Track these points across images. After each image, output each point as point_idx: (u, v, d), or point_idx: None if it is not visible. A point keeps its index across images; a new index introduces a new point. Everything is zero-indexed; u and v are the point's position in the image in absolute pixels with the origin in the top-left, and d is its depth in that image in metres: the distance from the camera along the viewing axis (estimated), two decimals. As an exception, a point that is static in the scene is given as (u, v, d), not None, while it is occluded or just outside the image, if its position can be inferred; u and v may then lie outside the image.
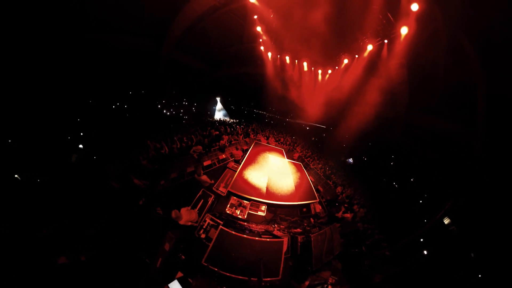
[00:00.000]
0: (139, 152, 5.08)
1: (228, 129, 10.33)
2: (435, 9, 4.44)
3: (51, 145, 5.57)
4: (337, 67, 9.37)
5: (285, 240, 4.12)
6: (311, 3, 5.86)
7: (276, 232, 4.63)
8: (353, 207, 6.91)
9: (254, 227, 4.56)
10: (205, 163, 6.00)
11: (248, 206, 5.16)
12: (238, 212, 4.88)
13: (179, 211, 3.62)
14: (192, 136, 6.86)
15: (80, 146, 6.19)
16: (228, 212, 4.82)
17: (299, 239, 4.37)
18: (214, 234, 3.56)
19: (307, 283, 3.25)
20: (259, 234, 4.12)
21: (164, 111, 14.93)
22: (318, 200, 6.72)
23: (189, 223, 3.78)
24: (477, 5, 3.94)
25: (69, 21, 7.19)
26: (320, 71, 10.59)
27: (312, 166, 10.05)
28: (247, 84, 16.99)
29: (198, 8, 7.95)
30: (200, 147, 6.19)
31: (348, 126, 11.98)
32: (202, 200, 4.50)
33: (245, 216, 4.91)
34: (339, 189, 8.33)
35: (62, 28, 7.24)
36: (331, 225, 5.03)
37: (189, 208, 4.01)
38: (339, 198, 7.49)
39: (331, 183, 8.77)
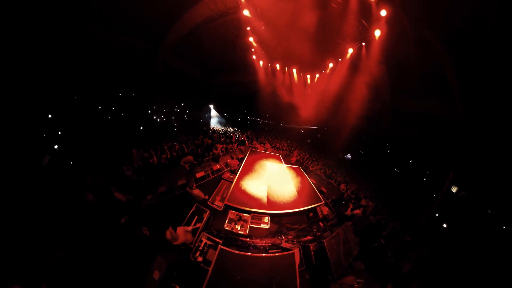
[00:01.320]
0: (123, 161, 4.63)
1: (222, 137, 10.22)
2: (400, 12, 5.86)
3: (18, 142, 4.65)
4: (323, 71, 10.54)
5: (296, 252, 3.80)
6: (297, 16, 7.04)
7: (284, 244, 4.33)
8: (360, 202, 6.75)
9: (258, 242, 4.20)
10: (198, 175, 5.70)
11: (249, 220, 4.81)
12: (238, 227, 4.50)
13: (175, 231, 3.16)
14: (183, 145, 6.52)
15: (55, 146, 5.44)
16: (227, 228, 4.43)
17: (311, 247, 4.08)
18: (213, 255, 3.17)
19: None
20: (265, 250, 3.79)
21: (154, 117, 14.23)
22: (323, 202, 6.55)
23: (184, 245, 3.35)
24: (432, 3, 5.21)
25: (63, 11, 6.70)
26: (308, 76, 11.78)
27: (311, 168, 10.06)
28: (240, 91, 17.73)
29: (196, 17, 8.62)
30: (191, 158, 5.87)
31: (340, 124, 13.05)
32: (196, 217, 4.06)
33: (247, 231, 4.53)
34: (342, 186, 8.25)
35: (53, 16, 6.57)
36: (342, 225, 4.80)
37: (186, 227, 3.55)
38: (345, 195, 7.36)
39: (333, 182, 8.73)
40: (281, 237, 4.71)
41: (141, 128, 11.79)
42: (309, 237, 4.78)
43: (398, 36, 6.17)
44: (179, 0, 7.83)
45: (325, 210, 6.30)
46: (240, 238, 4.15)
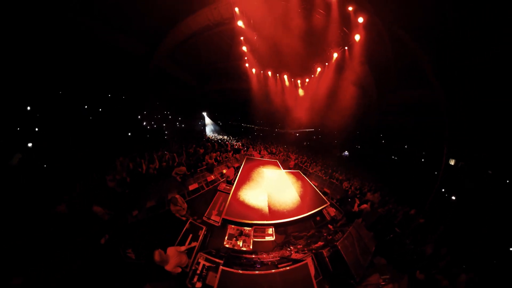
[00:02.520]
0: (106, 170, 4.20)
1: (216, 146, 9.96)
2: (374, 18, 7.07)
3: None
4: (313, 76, 11.62)
5: (309, 261, 3.54)
6: (286, 27, 7.90)
7: (295, 256, 4.02)
8: (366, 196, 6.68)
9: (265, 257, 3.84)
10: (191, 187, 5.35)
11: (252, 233, 4.46)
12: (240, 243, 4.11)
13: (165, 252, 2.78)
14: (175, 154, 6.16)
15: (29, 144, 4.79)
16: (227, 246, 4.02)
17: (324, 253, 3.81)
18: (214, 279, 2.78)
19: None
20: (275, 265, 3.49)
21: (144, 123, 13.48)
22: (328, 203, 6.42)
23: (178, 269, 2.89)
24: (401, 6, 6.43)
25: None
26: (299, 81, 12.94)
27: (311, 171, 10.05)
28: (234, 98, 18.26)
29: (194, 25, 9.18)
30: (184, 168, 5.53)
31: (333, 124, 13.97)
32: (191, 235, 3.64)
33: (251, 247, 4.15)
34: (345, 184, 8.22)
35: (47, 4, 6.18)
36: (353, 223, 4.62)
37: (179, 247, 3.12)
38: (349, 192, 7.28)
39: (335, 181, 8.72)
40: (289, 248, 4.39)
41: (129, 134, 11.05)
42: (320, 243, 4.51)
43: (375, 38, 7.32)
44: (179, 7, 8.36)
45: (332, 211, 6.15)
46: (244, 255, 3.77)
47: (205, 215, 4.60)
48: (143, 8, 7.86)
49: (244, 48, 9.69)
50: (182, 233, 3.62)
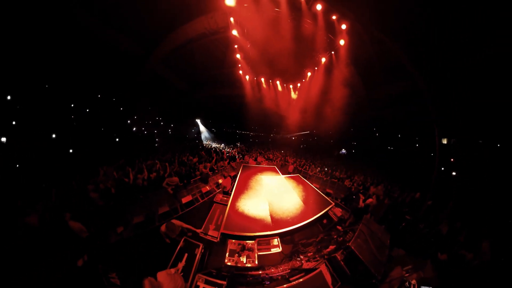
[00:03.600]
0: (89, 178, 3.77)
1: (212, 154, 9.66)
2: (355, 24, 8.04)
3: None
4: (304, 80, 12.61)
5: (323, 268, 3.29)
6: (277, 35, 8.65)
7: (306, 265, 3.77)
8: (370, 190, 6.63)
9: (274, 272, 3.50)
10: (184, 200, 4.98)
11: (255, 247, 4.11)
12: (243, 259, 3.74)
13: (156, 278, 2.41)
14: (166, 163, 5.73)
15: (3, 139, 4.23)
16: (229, 264, 3.62)
17: (338, 257, 3.60)
18: (216, 305, 2.43)
19: None
20: (286, 279, 3.20)
21: (134, 129, 12.66)
22: (333, 203, 6.34)
23: None
24: (377, 13, 7.53)
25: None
26: (291, 86, 14.00)
27: (311, 173, 10.07)
28: (228, 105, 18.55)
29: (191, 31, 9.71)
30: (176, 179, 5.16)
31: (328, 124, 14.77)
32: (186, 255, 3.24)
33: (256, 262, 3.79)
34: (347, 182, 8.25)
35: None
36: (361, 220, 4.51)
37: (170, 270, 2.72)
38: (352, 189, 7.23)
39: (337, 180, 8.72)
40: (299, 257, 4.11)
41: (117, 139, 10.36)
42: (331, 247, 4.28)
43: (357, 40, 8.35)
44: (178, 13, 8.82)
45: (338, 211, 6.04)
46: (249, 272, 3.41)
47: (201, 230, 4.22)
48: (143, 9, 8.23)
49: (238, 56, 10.39)
50: (175, 253, 3.21)
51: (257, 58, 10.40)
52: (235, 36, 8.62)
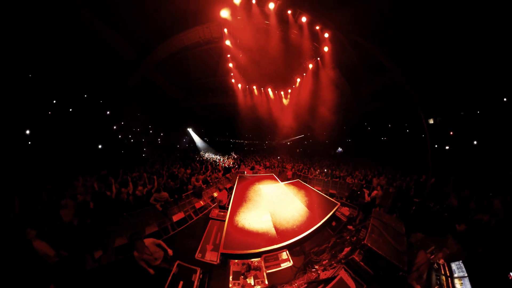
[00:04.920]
0: (62, 189, 3.20)
1: (205, 166, 9.25)
2: (336, 32, 8.92)
3: None
4: (294, 86, 13.56)
5: (343, 274, 3.05)
6: (268, 45, 9.52)
7: (324, 275, 3.45)
8: (373, 183, 6.59)
9: (288, 289, 3.10)
10: (176, 217, 4.47)
11: (263, 264, 3.69)
12: (251, 281, 3.28)
13: None
14: (154, 177, 5.20)
15: None
16: None
17: (356, 258, 3.38)
18: None
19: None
20: None
21: (120, 136, 11.56)
22: (339, 203, 6.17)
23: None
24: (354, 20, 8.88)
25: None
26: (282, 93, 14.94)
27: (311, 176, 10.04)
28: (220, 113, 18.72)
29: (186, 40, 10.28)
30: (165, 194, 4.68)
31: (321, 126, 15.82)
32: (182, 282, 2.76)
33: (266, 282, 3.35)
34: (348, 179, 8.20)
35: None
36: (371, 214, 4.40)
37: None
38: (355, 186, 7.13)
39: (338, 179, 8.70)
40: (314, 268, 3.79)
41: (100, 146, 9.36)
42: (346, 249, 4.04)
43: (338, 46, 9.65)
44: (174, 22, 9.32)
45: (346, 211, 5.88)
46: (259, 295, 2.98)
47: (197, 252, 3.74)
48: (142, 14, 8.56)
49: (231, 65, 11.05)
50: (168, 282, 2.69)
51: (249, 66, 11.18)
52: (228, 46, 9.31)
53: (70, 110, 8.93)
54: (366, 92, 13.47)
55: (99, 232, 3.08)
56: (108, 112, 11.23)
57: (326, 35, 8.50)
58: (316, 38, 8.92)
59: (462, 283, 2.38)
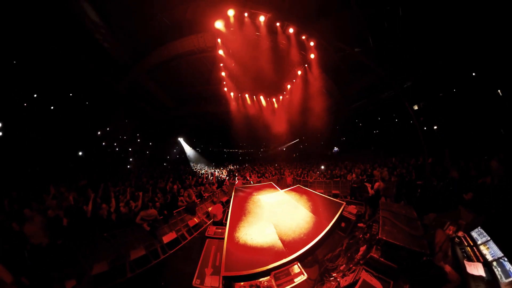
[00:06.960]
0: (31, 199, 2.80)
1: (197, 179, 8.85)
2: (320, 40, 9.95)
3: None
4: (285, 93, 14.73)
5: (364, 276, 2.93)
6: (258, 54, 10.46)
7: (344, 281, 3.28)
8: (374, 177, 6.68)
9: (307, 307, 2.82)
10: (166, 238, 4.05)
11: (273, 283, 3.36)
12: (262, 304, 2.94)
13: None
14: (140, 193, 4.67)
15: None
16: None
17: (375, 256, 3.26)
18: None
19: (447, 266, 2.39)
20: None
21: (104, 143, 10.54)
22: (344, 203, 6.13)
23: None
24: (335, 28, 10.08)
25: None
26: (274, 100, 15.89)
27: (311, 180, 10.09)
28: (213, 122, 18.54)
29: (180, 47, 10.71)
30: (154, 211, 4.21)
31: (314, 128, 16.64)
32: None
33: (281, 302, 3.03)
34: (349, 176, 8.29)
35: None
36: (379, 206, 4.38)
37: None
38: (357, 182, 7.20)
39: (339, 178, 8.76)
40: (332, 276, 3.59)
41: (80, 153, 8.42)
42: (362, 248, 3.90)
43: (324, 52, 10.71)
44: (170, 30, 9.83)
45: (353, 209, 5.86)
46: (275, 320, 2.64)
47: (195, 278, 3.32)
48: (139, 19, 8.83)
49: (223, 74, 11.64)
50: None
51: (241, 75, 11.96)
52: (221, 55, 10.02)
53: (52, 108, 8.08)
54: (353, 91, 14.87)
55: (72, 255, 2.57)
56: (93, 116, 10.42)
57: (312, 43, 9.73)
58: (303, 47, 10.08)
59: (488, 247, 2.43)
